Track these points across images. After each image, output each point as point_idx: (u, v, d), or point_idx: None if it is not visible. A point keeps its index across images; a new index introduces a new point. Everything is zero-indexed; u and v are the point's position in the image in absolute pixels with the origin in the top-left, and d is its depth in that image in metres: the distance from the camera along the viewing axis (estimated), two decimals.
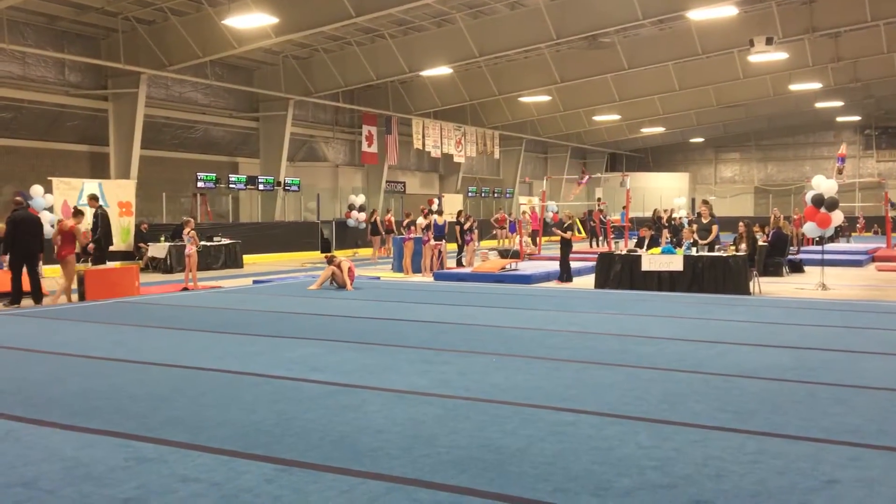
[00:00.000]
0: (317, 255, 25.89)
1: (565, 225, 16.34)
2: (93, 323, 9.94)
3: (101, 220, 15.08)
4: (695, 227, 15.08)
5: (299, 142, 29.27)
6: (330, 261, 14.50)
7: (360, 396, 5.77)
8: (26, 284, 12.12)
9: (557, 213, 34.68)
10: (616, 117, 36.39)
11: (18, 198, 12.93)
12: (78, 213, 13.61)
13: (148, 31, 20.67)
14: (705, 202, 15.84)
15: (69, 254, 12.30)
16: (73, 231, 12.44)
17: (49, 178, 18.67)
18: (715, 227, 14.80)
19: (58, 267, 13.18)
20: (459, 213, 21.73)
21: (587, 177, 27.73)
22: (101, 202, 16.07)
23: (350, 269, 14.13)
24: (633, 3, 19.70)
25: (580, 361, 7.11)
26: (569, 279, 15.83)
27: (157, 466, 4.20)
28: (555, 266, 18.51)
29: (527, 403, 5.51)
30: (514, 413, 5.26)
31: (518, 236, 23.53)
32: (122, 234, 20.47)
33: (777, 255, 17.06)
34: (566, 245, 15.89)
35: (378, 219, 25.35)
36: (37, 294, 12.22)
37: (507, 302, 12.03)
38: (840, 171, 26.03)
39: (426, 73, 25.49)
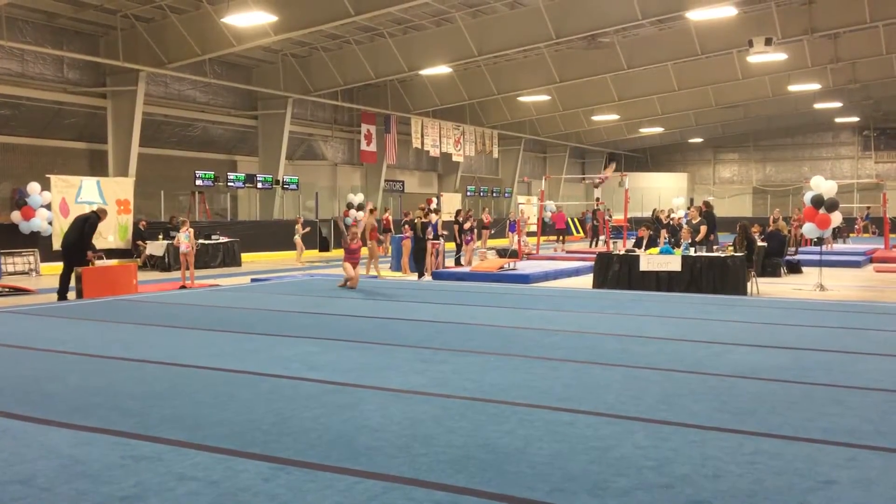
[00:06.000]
0: (315, 254, 25.91)
1: (409, 222, 17.34)
2: (90, 321, 9.93)
3: None
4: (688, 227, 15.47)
5: (298, 140, 29.25)
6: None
7: (358, 395, 5.76)
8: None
9: (555, 212, 34.67)
10: (615, 117, 36.38)
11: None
12: (367, 210, 19.05)
13: (147, 29, 20.65)
14: (706, 204, 17.19)
15: (371, 238, 17.63)
16: (368, 223, 17.75)
17: (47, 176, 18.67)
18: (704, 228, 15.45)
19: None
20: (458, 212, 21.69)
21: (607, 177, 27.88)
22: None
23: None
24: (633, 3, 19.70)
25: (578, 361, 7.11)
26: (420, 274, 16.46)
27: (154, 465, 4.20)
28: (554, 265, 18.55)
29: (524, 403, 5.51)
30: (512, 413, 5.26)
31: (517, 236, 23.50)
32: (120, 232, 20.47)
33: (775, 256, 17.06)
34: (419, 242, 16.61)
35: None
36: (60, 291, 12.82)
37: (506, 301, 12.03)
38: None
39: (425, 72, 25.47)
